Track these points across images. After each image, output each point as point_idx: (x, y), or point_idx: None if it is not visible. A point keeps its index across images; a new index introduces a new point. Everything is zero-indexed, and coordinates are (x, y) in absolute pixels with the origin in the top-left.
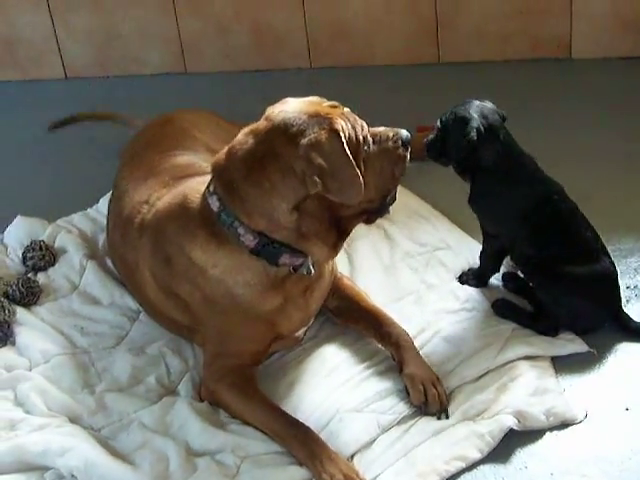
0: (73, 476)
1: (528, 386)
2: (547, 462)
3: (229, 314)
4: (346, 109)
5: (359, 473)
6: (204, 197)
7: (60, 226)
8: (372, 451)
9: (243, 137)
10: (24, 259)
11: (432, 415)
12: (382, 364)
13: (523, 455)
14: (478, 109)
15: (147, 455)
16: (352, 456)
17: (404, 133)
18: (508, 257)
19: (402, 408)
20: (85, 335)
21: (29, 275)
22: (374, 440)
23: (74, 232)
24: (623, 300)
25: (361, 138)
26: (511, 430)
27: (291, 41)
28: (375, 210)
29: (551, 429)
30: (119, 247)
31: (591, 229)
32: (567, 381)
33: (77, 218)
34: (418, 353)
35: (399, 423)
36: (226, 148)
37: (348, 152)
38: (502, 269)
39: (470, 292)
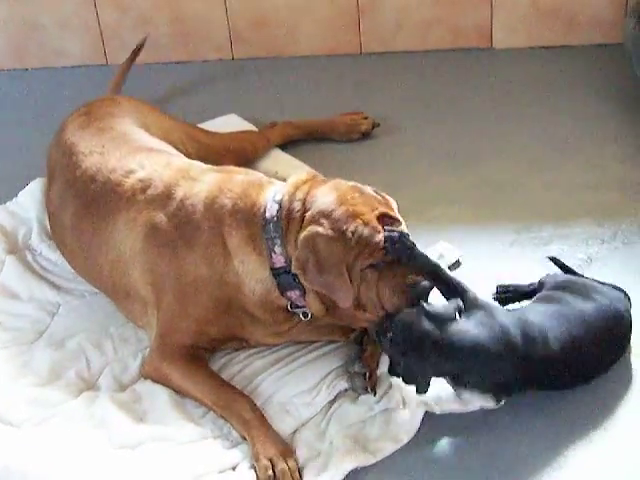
0: None
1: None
2: None
3: (214, 299)
4: (388, 209)
5: (293, 453)
6: (263, 199)
7: None
8: (294, 441)
9: (325, 189)
10: None
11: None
12: (309, 355)
13: None
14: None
15: (69, 448)
16: None
17: (422, 287)
18: None
19: (322, 400)
20: (4, 330)
21: None
22: (295, 431)
23: None
24: None
25: (368, 251)
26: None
27: (212, 32)
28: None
29: None
30: (80, 209)
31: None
32: None
33: None
34: None
35: (319, 414)
36: (309, 181)
37: (340, 259)
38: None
39: None
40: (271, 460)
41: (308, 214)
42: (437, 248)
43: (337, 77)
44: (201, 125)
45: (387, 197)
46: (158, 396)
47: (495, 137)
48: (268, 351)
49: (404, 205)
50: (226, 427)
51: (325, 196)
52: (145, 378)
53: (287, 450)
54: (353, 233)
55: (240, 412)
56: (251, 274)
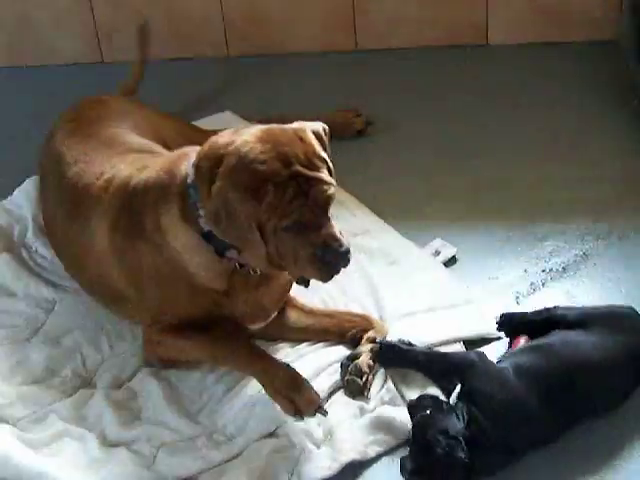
0: None
1: None
2: None
3: (177, 283)
4: (303, 168)
5: (302, 380)
6: (185, 167)
7: None
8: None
9: (240, 143)
10: None
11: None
12: (308, 347)
13: None
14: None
15: (64, 446)
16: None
17: (336, 253)
18: None
19: (322, 391)
20: None
21: None
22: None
23: None
24: (539, 283)
25: (279, 214)
26: None
27: (207, 29)
28: None
29: None
30: (65, 217)
31: None
32: None
33: None
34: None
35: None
36: (225, 136)
37: (250, 215)
38: None
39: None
40: (288, 396)
41: (221, 169)
42: (433, 245)
43: (332, 74)
44: (196, 122)
45: (310, 139)
46: (153, 393)
47: (490, 134)
48: (267, 344)
49: (400, 203)
50: (221, 421)
51: (237, 151)
52: (148, 365)
53: (299, 382)
54: (264, 196)
55: (241, 360)
56: (187, 247)
